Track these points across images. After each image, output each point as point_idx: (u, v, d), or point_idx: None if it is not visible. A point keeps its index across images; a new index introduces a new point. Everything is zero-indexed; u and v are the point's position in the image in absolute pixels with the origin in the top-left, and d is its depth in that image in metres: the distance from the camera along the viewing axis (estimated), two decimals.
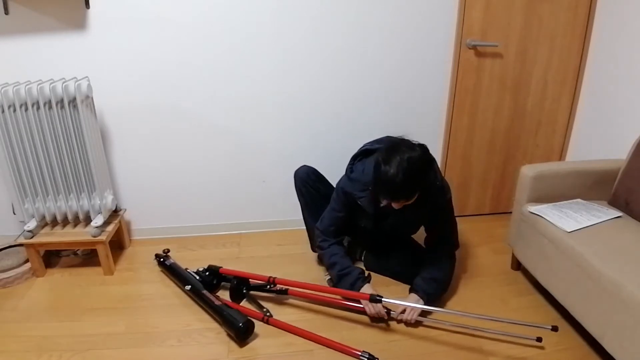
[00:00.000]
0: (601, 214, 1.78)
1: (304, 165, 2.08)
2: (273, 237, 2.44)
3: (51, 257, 2.25)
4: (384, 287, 2.00)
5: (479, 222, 2.58)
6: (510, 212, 2.06)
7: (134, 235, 2.46)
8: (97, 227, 2.05)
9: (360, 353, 1.61)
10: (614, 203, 1.88)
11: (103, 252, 2.09)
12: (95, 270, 2.15)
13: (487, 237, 2.43)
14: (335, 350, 1.66)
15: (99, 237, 2.06)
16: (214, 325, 1.79)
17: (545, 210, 1.81)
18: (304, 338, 1.72)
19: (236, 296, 1.91)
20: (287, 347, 1.67)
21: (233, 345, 1.69)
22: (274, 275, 1.89)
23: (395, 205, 1.62)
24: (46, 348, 1.67)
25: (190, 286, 1.89)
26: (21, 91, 1.85)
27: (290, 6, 2.08)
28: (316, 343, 1.69)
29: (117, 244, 2.34)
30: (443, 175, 2.50)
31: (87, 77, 1.98)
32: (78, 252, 2.30)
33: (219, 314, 1.74)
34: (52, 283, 2.08)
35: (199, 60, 2.13)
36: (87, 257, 2.27)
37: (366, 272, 1.89)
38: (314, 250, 2.19)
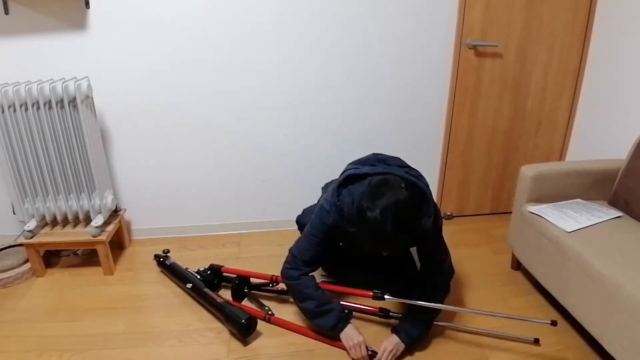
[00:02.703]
0: (601, 214, 1.78)
1: (307, 208, 2.01)
2: (273, 237, 2.44)
3: (51, 257, 2.25)
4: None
5: (479, 222, 2.58)
6: (510, 212, 2.06)
7: (134, 235, 2.46)
8: (97, 227, 2.05)
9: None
10: (614, 203, 1.88)
11: (103, 252, 2.09)
12: (95, 270, 2.15)
13: (487, 237, 2.43)
14: (337, 347, 1.66)
15: (99, 237, 2.06)
16: (214, 325, 1.79)
17: (545, 210, 1.81)
18: (306, 336, 1.73)
19: (238, 295, 1.91)
20: (287, 347, 1.67)
21: (233, 345, 1.69)
22: (276, 274, 1.89)
23: (383, 253, 1.47)
24: (46, 348, 1.67)
25: (191, 284, 1.90)
26: (21, 91, 1.85)
27: (290, 7, 2.08)
28: (317, 341, 1.70)
29: (117, 244, 2.34)
30: (443, 171, 2.51)
31: (87, 77, 1.98)
32: (78, 252, 2.30)
33: (222, 311, 1.74)
34: (52, 283, 2.08)
35: (199, 61, 2.13)
36: (87, 257, 2.27)
37: (346, 310, 1.70)
38: None
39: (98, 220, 2.07)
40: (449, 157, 2.48)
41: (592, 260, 1.51)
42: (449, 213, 2.60)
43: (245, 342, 1.70)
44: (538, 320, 1.69)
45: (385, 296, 1.66)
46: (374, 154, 1.77)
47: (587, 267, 1.52)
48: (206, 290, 1.85)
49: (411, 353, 1.64)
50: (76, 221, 2.18)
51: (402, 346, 1.61)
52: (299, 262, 1.69)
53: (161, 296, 1.98)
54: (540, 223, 1.79)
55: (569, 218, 1.74)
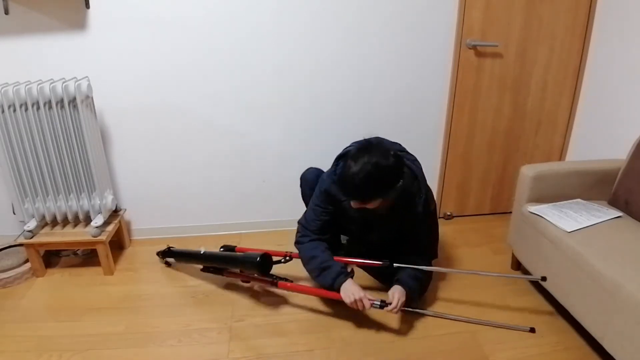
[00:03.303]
0: (601, 214, 1.78)
1: (312, 167, 2.05)
2: (273, 237, 2.43)
3: (51, 257, 2.25)
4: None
5: (479, 222, 2.58)
6: (510, 212, 2.06)
7: (134, 235, 2.46)
8: (97, 227, 2.05)
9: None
10: (614, 203, 1.88)
11: (103, 252, 2.09)
12: (95, 270, 2.15)
13: (487, 237, 2.43)
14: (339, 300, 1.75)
15: (99, 237, 2.06)
16: (214, 325, 1.79)
17: (545, 210, 1.81)
18: (313, 295, 1.88)
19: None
20: (288, 347, 1.67)
21: (233, 345, 1.69)
22: (290, 251, 1.95)
23: (353, 205, 1.59)
24: (46, 348, 1.67)
25: (204, 249, 2.01)
26: (21, 91, 1.85)
27: (290, 7, 2.08)
28: (324, 298, 1.85)
29: (117, 244, 2.34)
30: (443, 171, 2.51)
31: (87, 77, 1.98)
32: (78, 252, 2.30)
33: (236, 260, 1.87)
34: (52, 283, 2.08)
35: (199, 61, 2.13)
36: (87, 257, 2.27)
37: (349, 268, 1.82)
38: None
39: (98, 220, 2.07)
40: (449, 157, 2.48)
41: (592, 260, 1.51)
42: (449, 213, 2.60)
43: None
44: (527, 277, 1.81)
45: (394, 264, 1.75)
46: (376, 137, 1.85)
47: (587, 267, 1.52)
48: (218, 251, 1.98)
49: (415, 306, 1.79)
50: (76, 221, 2.18)
51: (405, 296, 1.68)
52: (307, 231, 1.83)
53: (161, 296, 1.98)
54: (540, 223, 1.79)
55: (569, 218, 1.74)
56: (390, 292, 1.70)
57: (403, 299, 1.66)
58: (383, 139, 1.84)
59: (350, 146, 1.82)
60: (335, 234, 1.98)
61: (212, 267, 2.05)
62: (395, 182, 1.54)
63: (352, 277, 1.74)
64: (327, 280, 1.72)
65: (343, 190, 1.59)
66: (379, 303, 1.65)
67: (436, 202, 2.45)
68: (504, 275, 1.75)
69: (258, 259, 1.73)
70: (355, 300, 1.64)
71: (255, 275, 1.93)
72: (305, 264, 1.84)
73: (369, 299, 1.65)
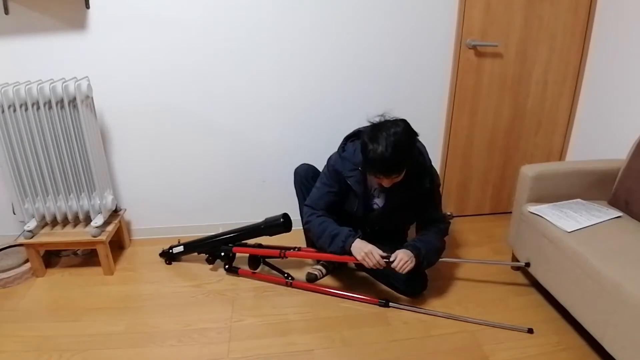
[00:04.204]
0: (601, 214, 1.78)
1: (304, 163, 2.08)
2: (273, 238, 2.43)
3: (51, 257, 2.25)
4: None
5: (479, 222, 2.58)
6: (510, 212, 2.06)
7: (134, 235, 2.46)
8: (97, 227, 2.05)
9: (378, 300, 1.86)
10: (614, 203, 1.88)
11: (103, 252, 2.09)
12: (95, 270, 2.15)
13: (487, 237, 2.43)
14: (355, 300, 1.89)
15: (99, 237, 2.06)
16: (214, 325, 1.79)
17: (545, 210, 1.81)
18: (327, 295, 1.95)
19: (254, 264, 2.08)
20: (287, 347, 1.67)
21: (233, 345, 1.69)
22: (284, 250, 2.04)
23: (385, 183, 1.68)
24: (46, 348, 1.67)
25: (220, 229, 2.13)
26: (21, 91, 1.85)
27: (290, 6, 2.09)
28: (338, 297, 1.93)
29: (117, 244, 2.34)
30: (443, 171, 2.51)
31: (87, 77, 1.98)
32: (78, 252, 2.30)
33: (258, 228, 2.02)
34: (52, 283, 2.08)
35: (199, 60, 2.13)
36: (87, 257, 2.27)
37: (359, 232, 1.86)
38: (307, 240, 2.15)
39: (98, 220, 2.07)
40: (449, 157, 2.48)
41: (592, 260, 1.51)
42: (449, 213, 2.60)
43: (247, 339, 1.70)
44: (512, 263, 1.98)
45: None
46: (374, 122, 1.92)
47: (587, 267, 1.52)
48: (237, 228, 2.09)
49: (421, 271, 1.83)
50: (76, 221, 2.18)
51: (414, 260, 1.73)
52: (315, 210, 1.88)
53: (161, 296, 1.98)
54: (540, 223, 1.79)
55: (569, 218, 1.74)
56: (397, 252, 1.74)
57: (406, 258, 1.71)
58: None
59: (358, 128, 1.89)
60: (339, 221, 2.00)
61: (220, 255, 2.12)
62: (414, 141, 1.67)
63: (360, 237, 1.80)
64: (339, 244, 1.79)
65: (381, 170, 1.62)
66: (389, 260, 1.72)
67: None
68: (485, 262, 1.90)
69: (281, 219, 1.95)
70: (366, 254, 1.71)
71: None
72: (317, 239, 1.88)
73: (380, 254, 1.72)
